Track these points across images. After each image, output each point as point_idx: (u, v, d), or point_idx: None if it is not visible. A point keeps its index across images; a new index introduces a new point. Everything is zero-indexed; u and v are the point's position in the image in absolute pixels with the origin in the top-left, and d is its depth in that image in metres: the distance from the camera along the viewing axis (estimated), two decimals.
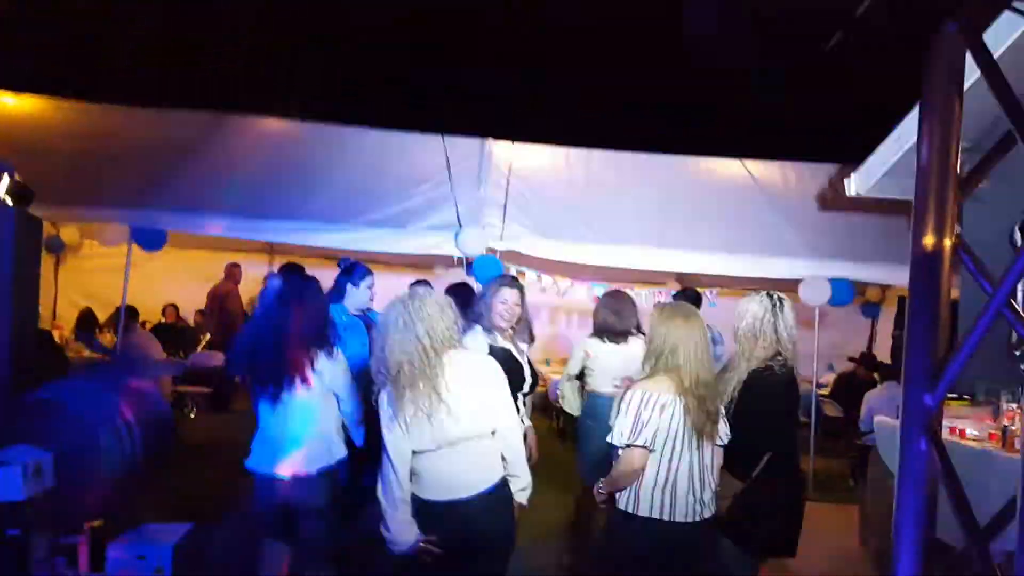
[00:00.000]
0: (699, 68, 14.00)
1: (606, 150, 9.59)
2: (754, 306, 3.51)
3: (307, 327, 3.32)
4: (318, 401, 3.37)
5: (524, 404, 3.99)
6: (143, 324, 9.35)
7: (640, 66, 15.96)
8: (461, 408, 2.83)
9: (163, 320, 10.57)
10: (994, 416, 5.15)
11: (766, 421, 3.30)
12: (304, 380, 3.31)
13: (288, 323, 3.29)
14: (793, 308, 3.57)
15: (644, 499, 2.93)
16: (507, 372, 3.66)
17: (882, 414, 6.10)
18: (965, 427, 4.88)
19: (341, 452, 3.46)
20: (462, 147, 9.01)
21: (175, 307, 10.87)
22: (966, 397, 5.83)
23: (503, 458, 2.95)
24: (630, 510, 2.96)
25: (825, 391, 9.74)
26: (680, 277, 10.27)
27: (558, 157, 9.45)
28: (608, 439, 3.04)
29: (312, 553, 3.39)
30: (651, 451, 2.92)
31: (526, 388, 3.99)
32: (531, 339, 4.29)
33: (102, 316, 9.59)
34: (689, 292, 6.32)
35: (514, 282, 4.11)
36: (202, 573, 4.45)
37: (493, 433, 2.91)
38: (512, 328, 4.03)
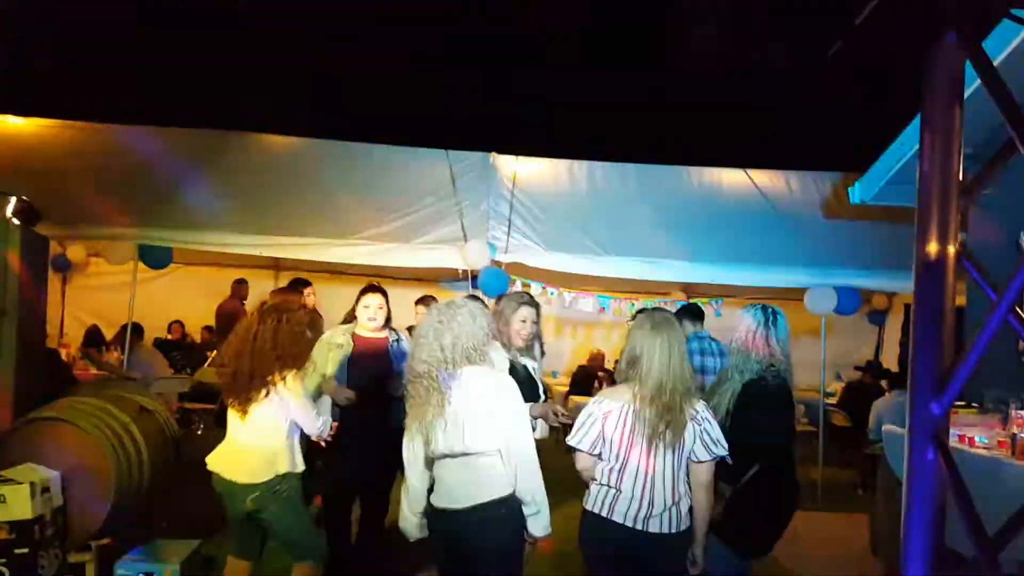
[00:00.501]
0: (701, 76, 14.03)
1: (609, 162, 9.62)
2: (747, 319, 3.55)
3: (281, 344, 3.44)
4: (275, 415, 3.44)
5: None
6: (156, 341, 9.38)
7: (643, 75, 16.01)
8: (469, 423, 2.90)
9: (169, 337, 10.59)
10: (1003, 423, 5.11)
11: (759, 431, 3.32)
12: (267, 394, 3.42)
13: (264, 338, 3.43)
14: (787, 321, 3.57)
15: (593, 495, 3.06)
16: (526, 389, 3.68)
17: (890, 422, 6.07)
18: (974, 435, 4.85)
19: (293, 466, 3.52)
20: (466, 161, 9.04)
21: (181, 324, 10.89)
22: (974, 405, 5.80)
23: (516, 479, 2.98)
24: (587, 506, 3.08)
25: (833, 400, 9.70)
26: (685, 288, 10.27)
27: (561, 169, 9.47)
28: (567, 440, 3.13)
29: (294, 545, 3.60)
30: (592, 455, 3.04)
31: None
32: (542, 354, 4.30)
33: (108, 334, 9.62)
34: (692, 306, 6.31)
35: (532, 300, 4.14)
36: None
37: (501, 452, 2.95)
38: (526, 344, 4.07)
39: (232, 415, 3.53)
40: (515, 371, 3.79)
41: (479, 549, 2.96)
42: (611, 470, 3.00)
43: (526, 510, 2.98)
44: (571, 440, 3.06)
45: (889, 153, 6.93)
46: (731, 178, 9.58)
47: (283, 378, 3.42)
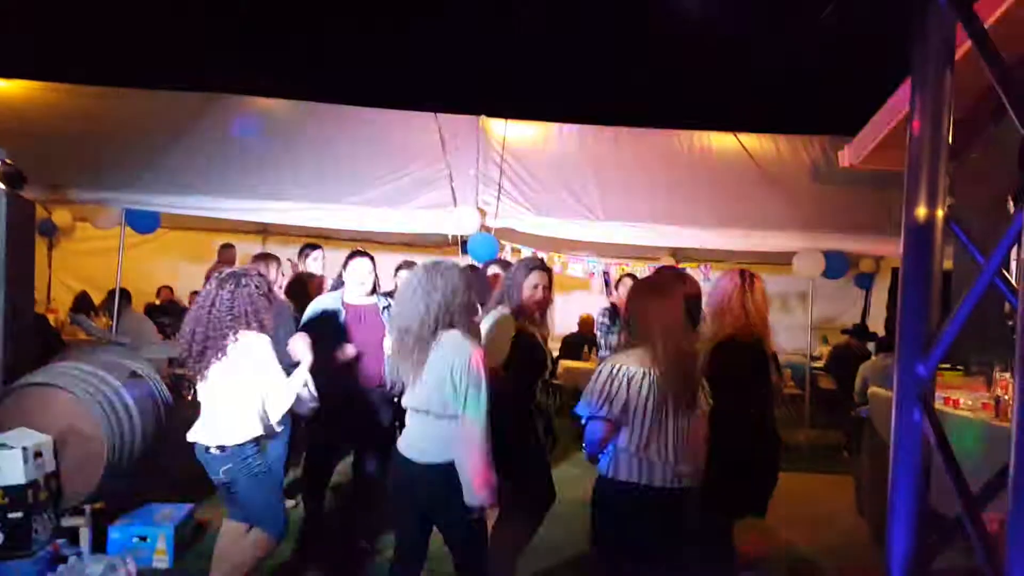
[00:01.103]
0: (693, 39, 13.92)
1: (599, 125, 9.58)
2: (724, 283, 3.57)
3: (238, 306, 3.41)
4: (233, 378, 3.40)
5: (540, 388, 3.96)
6: (146, 307, 9.34)
7: (633, 38, 15.87)
8: (434, 384, 2.96)
9: (158, 302, 10.54)
10: (987, 386, 5.18)
11: (730, 386, 3.36)
12: (223, 356, 3.38)
13: (221, 302, 3.41)
14: (764, 286, 3.60)
15: (623, 464, 2.98)
16: (531, 358, 3.66)
17: (876, 385, 6.14)
18: (959, 397, 4.91)
19: (254, 431, 3.45)
20: (456, 125, 8.99)
21: (170, 289, 10.84)
22: (959, 367, 5.87)
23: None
24: (610, 475, 3.01)
25: (820, 363, 9.79)
26: (675, 252, 10.29)
27: (551, 133, 9.43)
28: (576, 409, 3.09)
29: (255, 515, 3.53)
30: (614, 422, 2.95)
31: (546, 375, 3.95)
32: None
33: (96, 299, 9.57)
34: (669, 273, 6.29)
35: (543, 265, 4.04)
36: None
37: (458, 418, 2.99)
38: (539, 312, 3.96)
39: (197, 383, 3.52)
40: (520, 339, 3.72)
41: (434, 503, 3.06)
42: (640, 434, 2.95)
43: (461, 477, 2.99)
44: (595, 411, 2.97)
45: (879, 116, 6.92)
46: (721, 142, 9.57)
47: (236, 339, 3.39)
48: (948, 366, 5.76)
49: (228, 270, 3.61)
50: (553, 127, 9.56)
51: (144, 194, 7.75)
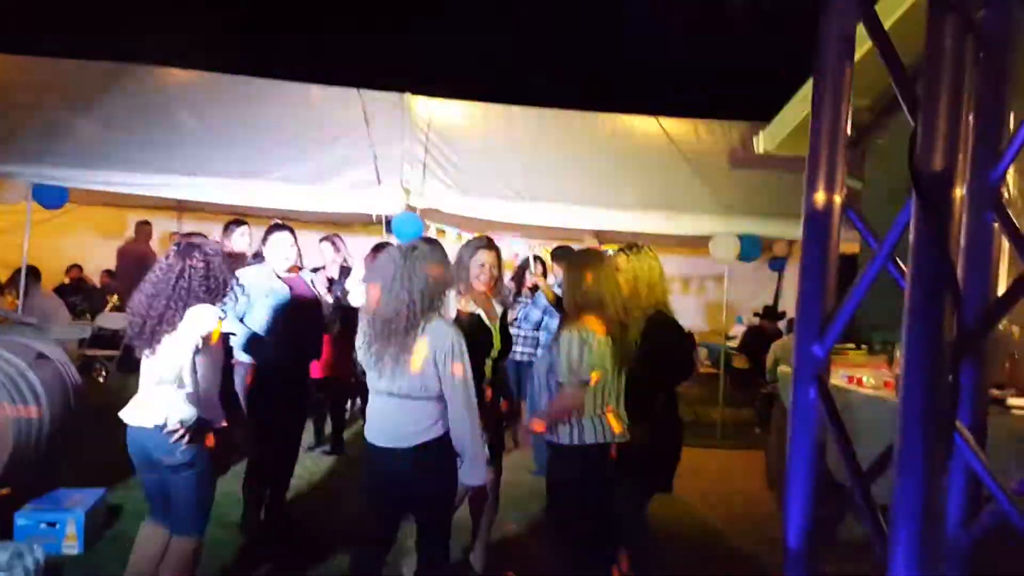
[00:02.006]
0: (617, 24, 14.05)
1: (525, 106, 9.59)
2: (648, 258, 3.76)
3: (214, 277, 3.29)
4: (170, 357, 3.19)
5: (490, 370, 3.94)
6: (57, 287, 8.98)
7: (559, 22, 15.92)
8: (419, 369, 2.98)
9: (66, 281, 10.16)
10: (889, 364, 5.45)
11: (666, 361, 3.58)
12: (169, 331, 3.19)
13: (194, 273, 3.25)
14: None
15: (587, 428, 3.19)
16: (476, 339, 3.68)
17: (786, 364, 6.37)
18: (862, 376, 5.14)
19: (183, 412, 3.20)
20: (380, 102, 8.87)
21: (79, 267, 10.46)
22: (864, 347, 6.15)
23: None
24: (576, 442, 3.19)
25: (734, 344, 10.08)
26: (597, 234, 10.42)
27: (477, 113, 9.40)
28: (558, 378, 3.23)
29: (176, 510, 3.28)
30: (586, 384, 3.17)
31: (494, 354, 3.93)
32: (504, 302, 4.23)
33: (2, 277, 9.16)
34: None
35: (491, 244, 4.03)
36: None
37: (440, 398, 3.04)
38: (488, 291, 3.96)
39: (143, 362, 3.30)
40: (460, 321, 3.72)
41: (419, 487, 3.07)
42: (599, 396, 3.21)
43: (460, 460, 3.07)
44: (574, 376, 3.16)
45: (793, 104, 7.14)
46: (643, 126, 9.70)
47: (197, 313, 3.20)
48: (853, 346, 6.02)
49: (186, 241, 3.41)
50: (479, 107, 9.53)
51: (51, 168, 7.41)
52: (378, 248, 5.43)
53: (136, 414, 3.22)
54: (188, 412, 3.18)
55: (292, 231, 4.68)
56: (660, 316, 3.62)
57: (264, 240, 4.63)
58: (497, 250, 4.07)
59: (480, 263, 3.89)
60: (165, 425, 3.12)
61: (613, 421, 3.22)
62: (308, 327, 4.50)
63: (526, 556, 4.34)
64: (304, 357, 4.57)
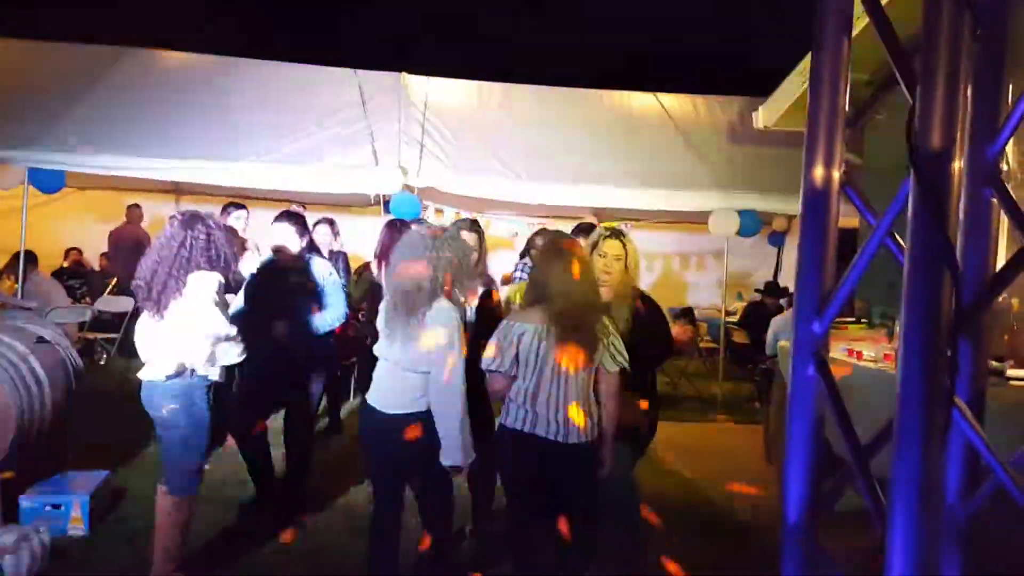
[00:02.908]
0: (615, 1, 13.95)
1: (522, 84, 9.54)
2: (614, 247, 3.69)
3: (214, 247, 3.45)
4: (183, 319, 3.42)
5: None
6: (56, 271, 8.97)
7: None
8: (421, 345, 3.08)
9: (65, 265, 10.15)
10: (889, 338, 5.47)
11: (658, 341, 3.65)
12: (176, 296, 3.40)
13: (195, 242, 3.43)
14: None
15: (512, 413, 3.18)
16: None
17: (786, 339, 6.38)
18: (862, 349, 5.16)
19: (207, 368, 3.51)
20: (376, 82, 8.83)
21: (78, 251, 10.44)
22: (864, 321, 6.17)
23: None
24: (507, 424, 3.20)
25: (734, 319, 10.10)
26: (597, 212, 10.40)
27: (473, 92, 9.36)
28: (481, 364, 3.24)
29: (169, 467, 3.53)
30: (507, 375, 3.14)
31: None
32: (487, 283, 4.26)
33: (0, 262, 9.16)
34: (584, 225, 6.29)
35: (474, 225, 4.11)
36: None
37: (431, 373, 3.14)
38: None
39: (148, 321, 3.50)
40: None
41: (403, 452, 3.14)
42: (529, 386, 3.12)
43: (441, 438, 3.13)
44: (490, 365, 3.14)
45: (791, 79, 7.10)
46: (642, 102, 9.65)
47: (199, 277, 3.42)
48: (853, 319, 6.04)
49: (190, 212, 3.59)
50: (476, 85, 9.49)
51: (49, 152, 7.39)
52: (393, 225, 5.44)
53: (144, 371, 3.50)
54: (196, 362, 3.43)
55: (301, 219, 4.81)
56: (647, 299, 3.66)
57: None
58: (480, 232, 4.14)
59: None
60: (168, 374, 3.40)
61: (573, 413, 3.13)
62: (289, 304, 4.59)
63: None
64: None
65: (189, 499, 3.57)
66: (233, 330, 3.58)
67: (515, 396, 3.15)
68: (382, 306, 3.29)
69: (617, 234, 3.66)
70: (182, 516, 3.56)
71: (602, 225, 4.01)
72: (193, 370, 3.46)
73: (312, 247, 5.07)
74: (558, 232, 3.94)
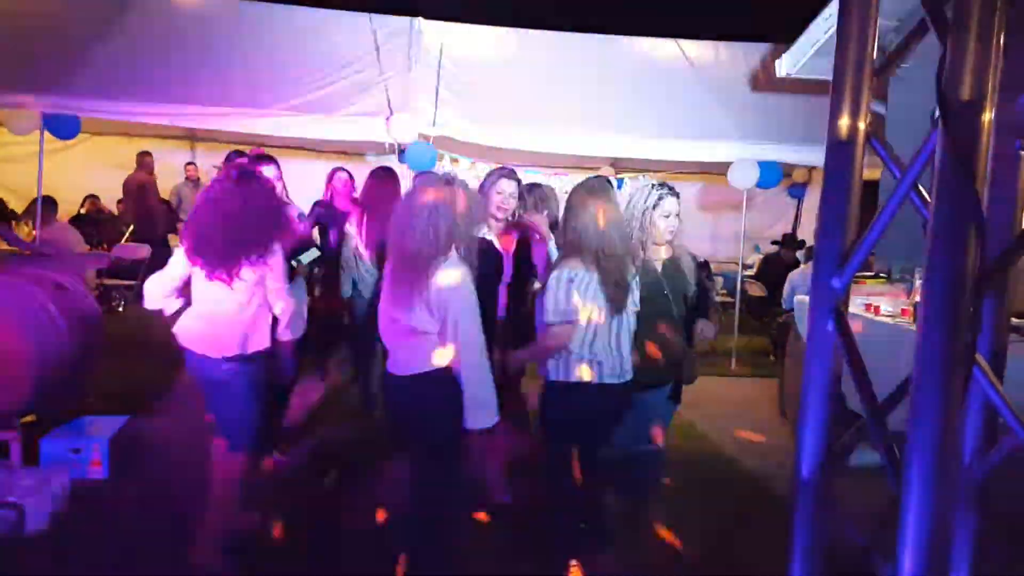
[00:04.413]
0: None
1: (540, 30, 9.36)
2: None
3: (265, 213, 3.32)
4: (251, 288, 3.31)
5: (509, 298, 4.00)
6: (74, 217, 9.02)
7: None
8: (429, 304, 2.94)
9: (83, 211, 10.20)
10: (907, 293, 5.42)
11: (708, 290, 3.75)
12: (250, 265, 3.25)
13: (245, 206, 3.25)
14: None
15: (573, 367, 3.14)
16: (490, 265, 3.67)
17: (803, 293, 6.35)
18: (880, 304, 5.12)
19: (263, 343, 3.41)
20: (391, 27, 8.68)
21: (95, 197, 10.48)
22: (883, 275, 6.10)
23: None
24: (562, 379, 3.16)
25: (751, 272, 10.05)
26: (614, 162, 10.30)
27: (490, 38, 9.19)
28: (543, 318, 3.18)
29: (227, 434, 3.38)
30: (574, 324, 3.10)
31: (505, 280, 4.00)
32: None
33: (18, 208, 9.20)
34: (602, 178, 6.21)
35: (512, 174, 4.08)
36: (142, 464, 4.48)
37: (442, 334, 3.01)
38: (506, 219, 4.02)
39: (206, 284, 3.30)
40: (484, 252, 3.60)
41: (416, 413, 3.09)
42: (588, 335, 3.13)
43: (465, 399, 3.01)
44: (559, 316, 3.09)
45: (816, 24, 6.92)
46: (662, 49, 9.46)
47: (273, 248, 3.31)
48: (872, 274, 5.98)
49: (245, 169, 3.45)
50: (493, 31, 9.31)
51: (64, 97, 7.36)
52: (377, 172, 5.29)
53: (203, 343, 3.32)
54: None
55: (276, 162, 4.52)
56: (696, 258, 3.71)
57: None
58: (518, 180, 4.12)
59: (499, 191, 3.95)
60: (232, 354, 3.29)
61: (602, 360, 3.15)
62: None
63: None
64: None
65: (246, 455, 3.45)
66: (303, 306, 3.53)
67: (575, 347, 3.14)
68: (387, 265, 3.15)
69: (673, 190, 3.65)
70: (239, 471, 3.43)
71: (649, 179, 3.99)
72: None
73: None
74: (591, 178, 3.88)
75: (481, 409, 2.99)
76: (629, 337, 3.24)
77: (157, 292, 3.46)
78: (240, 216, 3.23)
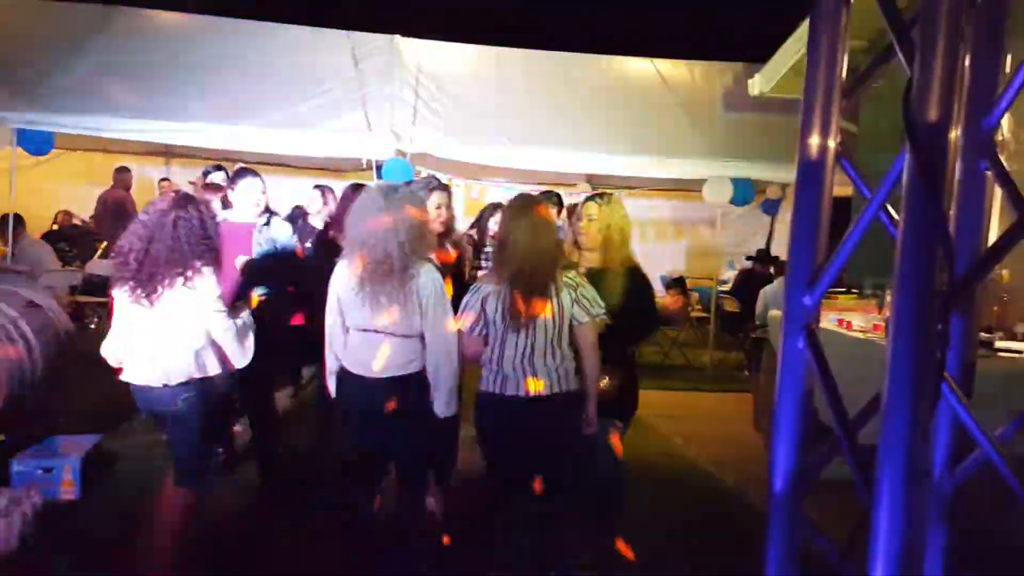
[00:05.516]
0: None
1: (517, 48, 9.43)
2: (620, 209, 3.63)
3: (191, 236, 3.17)
4: (190, 312, 3.19)
5: None
6: (47, 233, 8.89)
7: None
8: (411, 310, 3.08)
9: (55, 227, 10.07)
10: (879, 308, 5.48)
11: (641, 316, 3.58)
12: (183, 286, 3.14)
13: (190, 225, 3.16)
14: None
15: (485, 377, 3.22)
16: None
17: (776, 308, 6.40)
18: (852, 319, 5.18)
19: (213, 368, 3.27)
20: (369, 44, 8.71)
21: (68, 213, 10.35)
22: (855, 291, 6.18)
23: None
24: (481, 389, 3.23)
25: (726, 287, 10.12)
26: (591, 179, 10.35)
27: (468, 56, 9.25)
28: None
29: (177, 462, 3.29)
30: (477, 335, 3.16)
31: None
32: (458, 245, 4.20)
33: None
34: (553, 194, 6.14)
35: (442, 184, 4.07)
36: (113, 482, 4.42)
37: (421, 337, 3.15)
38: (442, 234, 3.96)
39: (135, 310, 3.20)
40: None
41: (390, 415, 3.13)
42: (496, 348, 3.15)
43: (432, 390, 3.17)
44: (461, 327, 3.18)
45: (789, 45, 7.04)
46: (638, 68, 9.56)
47: (200, 270, 3.16)
48: (844, 290, 6.05)
49: (183, 192, 3.40)
50: (470, 49, 9.37)
51: (37, 113, 7.30)
52: (355, 188, 5.23)
53: (141, 373, 3.21)
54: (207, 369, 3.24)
55: (259, 176, 4.49)
56: (636, 271, 3.57)
57: (232, 184, 4.42)
58: (449, 191, 4.10)
59: (436, 205, 3.91)
60: (171, 382, 3.16)
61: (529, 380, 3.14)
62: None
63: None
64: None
65: (197, 492, 3.34)
66: (246, 333, 3.39)
67: (487, 360, 3.19)
68: (343, 278, 3.15)
69: (596, 197, 3.64)
70: (189, 509, 3.32)
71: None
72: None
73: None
74: (521, 194, 3.91)
75: (452, 398, 3.20)
76: (543, 353, 3.15)
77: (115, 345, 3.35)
78: (167, 239, 3.12)
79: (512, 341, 3.12)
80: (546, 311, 3.11)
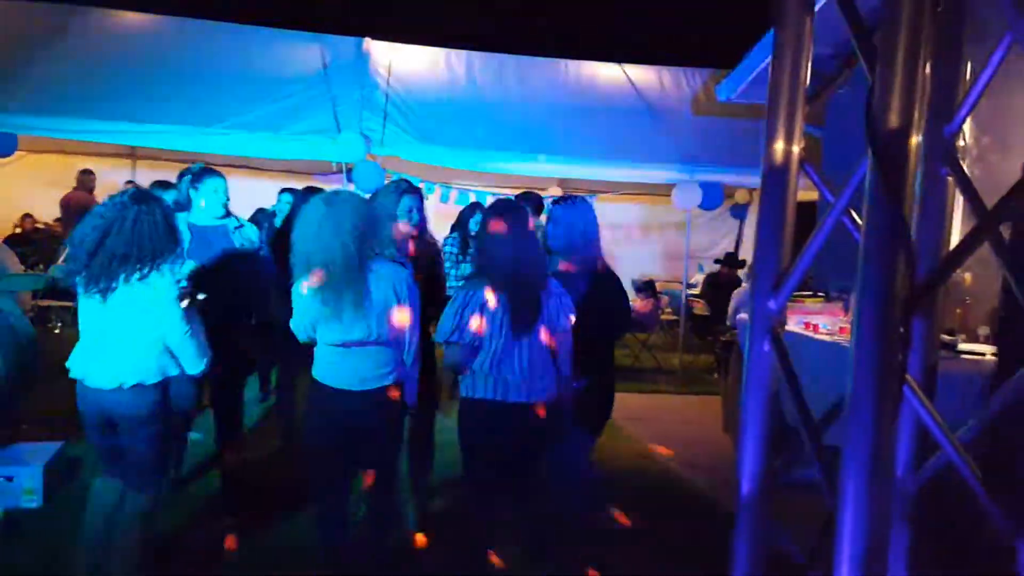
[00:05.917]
0: None
1: (488, 52, 9.45)
2: (588, 210, 3.63)
3: (153, 232, 3.06)
4: (148, 312, 3.07)
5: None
6: (8, 238, 8.73)
7: None
8: (378, 313, 3.04)
9: (18, 231, 9.89)
10: (845, 311, 5.56)
11: (614, 316, 3.59)
12: (139, 283, 3.02)
13: (136, 224, 3.03)
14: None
15: (478, 384, 3.15)
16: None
17: (745, 311, 6.45)
18: (818, 322, 5.25)
19: (171, 370, 3.16)
20: (339, 47, 8.67)
21: (31, 217, 10.17)
22: (820, 294, 6.25)
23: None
24: (472, 395, 3.17)
25: (695, 291, 10.19)
26: (562, 183, 10.39)
27: (439, 59, 9.24)
28: (435, 336, 3.24)
29: (134, 468, 3.17)
30: (470, 345, 3.10)
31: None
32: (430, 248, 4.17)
33: None
34: (532, 195, 6.14)
35: (412, 188, 3.98)
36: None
37: (394, 344, 3.13)
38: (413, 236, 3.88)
39: (88, 306, 3.10)
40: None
41: (372, 428, 3.12)
42: (494, 355, 3.11)
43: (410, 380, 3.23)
44: (450, 336, 3.09)
45: (756, 51, 7.11)
46: (607, 73, 9.61)
47: (159, 268, 3.04)
48: (810, 293, 6.12)
49: (142, 189, 3.31)
50: (440, 53, 9.36)
51: (1, 114, 7.17)
52: (308, 191, 5.15)
53: (93, 374, 3.09)
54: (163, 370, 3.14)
55: (223, 177, 4.35)
56: (607, 271, 3.58)
57: (195, 184, 4.26)
58: (421, 194, 4.05)
59: (407, 208, 3.86)
60: (132, 384, 3.04)
61: (508, 380, 3.15)
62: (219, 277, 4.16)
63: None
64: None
65: (157, 496, 3.24)
66: (199, 336, 3.25)
67: (479, 366, 3.13)
68: (303, 294, 3.06)
69: (563, 200, 3.65)
70: (155, 515, 3.26)
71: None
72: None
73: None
74: (501, 199, 3.89)
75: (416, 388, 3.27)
76: (539, 359, 3.17)
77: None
78: (125, 233, 3.02)
79: (513, 348, 3.11)
80: (539, 318, 3.13)
